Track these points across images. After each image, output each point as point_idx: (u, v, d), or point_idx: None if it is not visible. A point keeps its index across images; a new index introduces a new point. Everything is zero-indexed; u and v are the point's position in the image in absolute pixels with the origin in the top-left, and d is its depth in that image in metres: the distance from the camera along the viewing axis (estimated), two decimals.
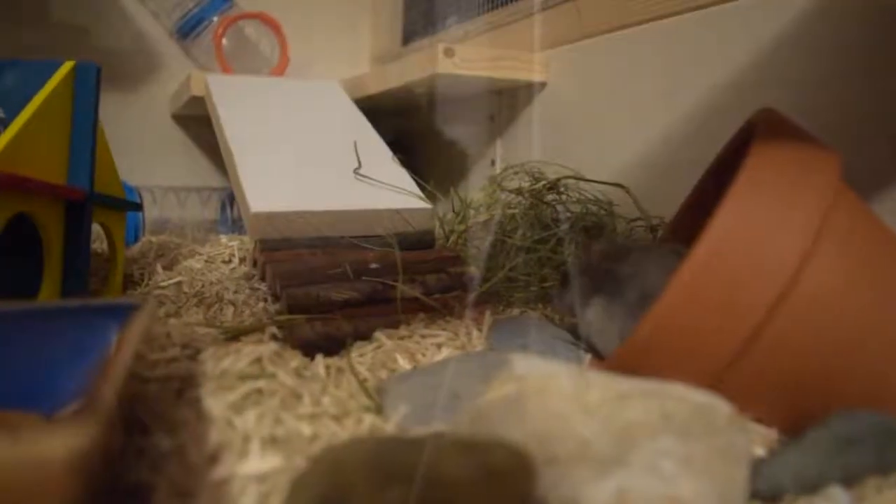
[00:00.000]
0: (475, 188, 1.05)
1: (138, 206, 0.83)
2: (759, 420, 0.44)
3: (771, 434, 0.43)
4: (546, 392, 0.37)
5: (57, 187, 0.64)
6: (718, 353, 0.41)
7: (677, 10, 0.76)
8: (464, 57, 0.87)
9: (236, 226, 1.19)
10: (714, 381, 0.42)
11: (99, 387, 0.26)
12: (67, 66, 0.68)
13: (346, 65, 1.43)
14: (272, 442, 0.38)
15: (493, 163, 1.04)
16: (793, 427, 0.42)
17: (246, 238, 0.93)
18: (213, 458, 0.36)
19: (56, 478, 0.20)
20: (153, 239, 1.03)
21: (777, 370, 0.42)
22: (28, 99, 0.64)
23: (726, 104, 0.71)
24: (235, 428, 0.39)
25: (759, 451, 0.41)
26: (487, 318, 0.61)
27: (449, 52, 0.86)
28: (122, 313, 0.43)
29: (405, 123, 1.17)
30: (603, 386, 0.38)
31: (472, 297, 0.64)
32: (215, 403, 0.41)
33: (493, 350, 0.55)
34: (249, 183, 0.77)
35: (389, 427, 0.41)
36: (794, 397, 0.43)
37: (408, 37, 1.37)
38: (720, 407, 0.38)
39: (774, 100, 0.66)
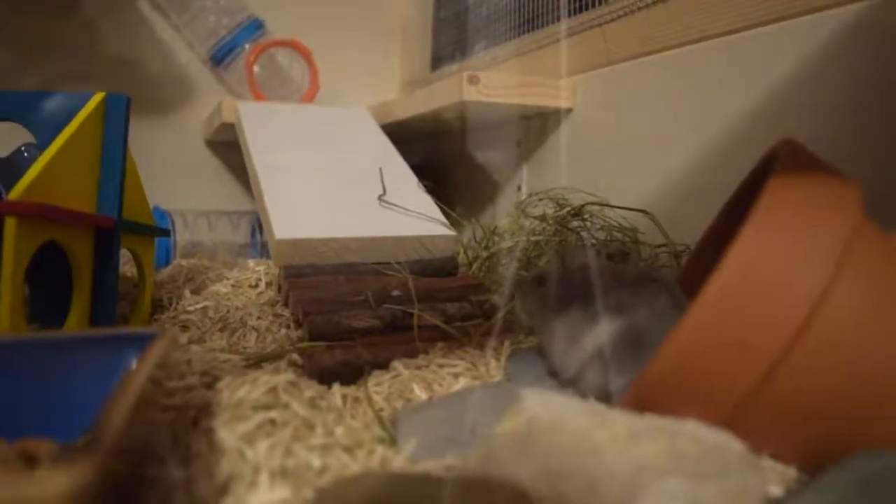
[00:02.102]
0: (502, 214, 1.05)
1: (166, 233, 0.84)
2: (775, 457, 0.43)
3: (789, 472, 0.42)
4: (557, 429, 0.37)
5: (86, 216, 0.65)
6: (735, 390, 0.41)
7: (702, 36, 0.76)
8: (488, 84, 0.88)
9: (265, 250, 1.20)
10: (730, 418, 0.41)
11: (105, 417, 0.27)
12: (98, 98, 0.70)
13: (376, 90, 1.44)
14: (282, 473, 0.38)
15: (519, 188, 1.04)
16: (812, 464, 0.41)
17: (273, 263, 0.94)
18: (223, 490, 0.36)
19: None
20: (184, 262, 1.04)
21: (796, 407, 0.41)
22: (60, 128, 0.66)
23: (751, 130, 0.71)
24: (247, 459, 0.39)
25: (776, 490, 0.40)
26: (506, 347, 0.61)
27: (473, 80, 0.87)
28: (144, 342, 0.43)
29: (432, 148, 1.18)
30: (615, 423, 0.38)
31: (492, 325, 0.64)
32: (228, 434, 0.41)
33: (509, 382, 0.55)
34: (275, 209, 0.77)
35: (399, 460, 0.41)
36: (814, 435, 0.42)
37: (437, 62, 1.38)
38: (733, 446, 0.38)
39: (798, 126, 0.65)
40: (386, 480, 0.31)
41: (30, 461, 0.37)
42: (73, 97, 0.70)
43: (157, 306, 0.82)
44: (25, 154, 0.95)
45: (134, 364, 0.43)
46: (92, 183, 0.69)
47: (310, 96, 1.26)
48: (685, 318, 0.41)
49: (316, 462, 0.39)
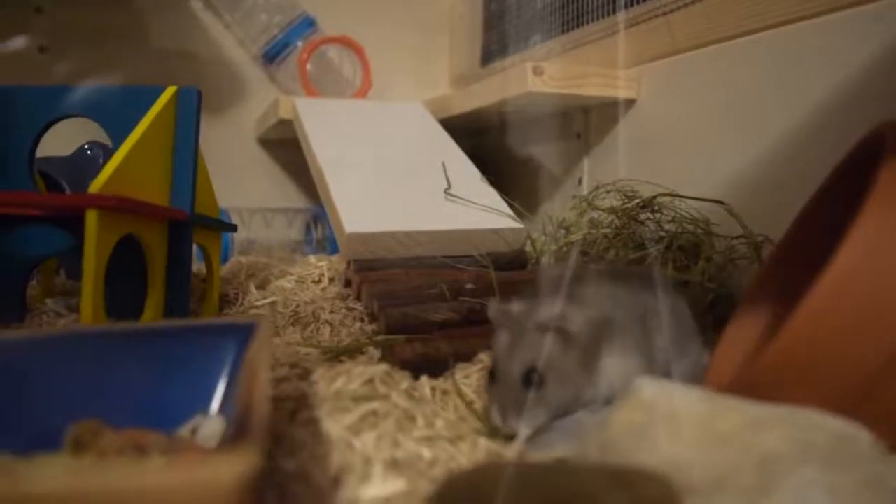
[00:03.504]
0: (560, 207, 1.04)
1: (233, 227, 0.84)
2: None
3: None
4: (677, 418, 0.36)
5: (162, 209, 0.65)
6: (855, 378, 0.39)
7: (772, 24, 0.74)
8: (553, 75, 0.87)
9: (320, 246, 1.20)
10: (849, 406, 0.39)
11: (251, 411, 0.26)
12: (170, 92, 0.70)
13: (425, 87, 1.43)
14: (393, 465, 0.37)
15: (580, 181, 1.03)
16: None
17: (334, 258, 0.94)
18: (336, 481, 0.36)
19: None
20: (242, 259, 1.05)
21: None
22: (132, 123, 0.66)
23: (827, 119, 0.69)
24: (355, 450, 0.38)
25: None
26: None
27: (538, 71, 0.86)
28: (237, 333, 0.43)
29: (487, 142, 1.17)
30: (735, 412, 0.36)
31: None
32: (332, 425, 0.40)
33: None
34: (343, 204, 0.77)
35: (510, 452, 0.40)
36: None
37: (487, 57, 1.37)
38: (862, 435, 0.36)
39: (877, 114, 0.63)
40: (521, 469, 0.30)
41: (140, 451, 0.36)
42: (144, 92, 0.71)
43: (224, 301, 0.82)
44: (89, 152, 0.96)
45: (230, 355, 0.43)
46: (165, 177, 0.69)
47: (362, 93, 1.26)
48: (801, 305, 0.39)
49: (426, 453, 0.38)
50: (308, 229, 1.26)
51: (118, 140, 0.69)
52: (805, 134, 0.71)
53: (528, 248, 0.82)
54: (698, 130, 0.83)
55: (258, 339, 0.37)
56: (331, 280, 0.87)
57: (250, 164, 1.36)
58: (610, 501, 0.26)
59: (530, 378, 0.43)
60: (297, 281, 0.87)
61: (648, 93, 0.91)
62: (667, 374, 0.49)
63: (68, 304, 0.76)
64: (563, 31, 1.08)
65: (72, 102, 0.72)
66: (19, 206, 0.65)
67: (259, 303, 0.78)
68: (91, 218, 0.56)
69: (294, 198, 1.37)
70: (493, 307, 0.47)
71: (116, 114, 0.71)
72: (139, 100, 0.70)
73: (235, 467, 0.20)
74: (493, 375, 0.45)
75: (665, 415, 0.36)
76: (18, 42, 1.20)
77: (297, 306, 0.74)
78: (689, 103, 0.84)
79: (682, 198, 0.77)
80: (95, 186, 0.58)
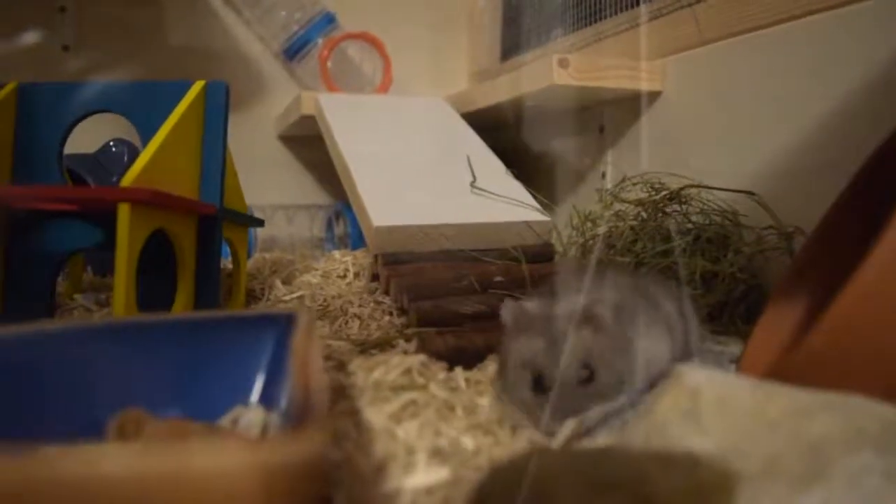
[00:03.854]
0: (584, 202, 1.03)
1: (261, 223, 0.84)
2: None
3: None
4: (724, 405, 0.36)
5: (192, 203, 0.65)
6: None
7: (800, 13, 0.73)
8: (578, 67, 0.86)
9: (342, 242, 1.20)
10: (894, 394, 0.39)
11: (309, 396, 0.26)
12: (199, 86, 0.70)
13: (444, 83, 1.43)
14: (437, 454, 0.37)
15: (603, 175, 1.02)
16: None
17: (359, 253, 0.94)
18: (381, 470, 0.36)
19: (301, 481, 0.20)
20: (266, 255, 1.05)
21: None
22: (160, 118, 0.66)
23: (857, 108, 0.68)
24: (398, 439, 0.38)
25: None
26: None
27: (563, 63, 0.85)
28: (276, 325, 0.43)
29: (509, 137, 1.16)
30: (783, 398, 0.36)
31: None
32: (374, 414, 0.40)
33: None
34: (370, 198, 0.77)
35: (553, 440, 0.40)
36: None
37: (507, 53, 1.36)
38: None
39: None
40: (573, 456, 0.29)
41: (183, 440, 0.36)
42: (172, 86, 0.71)
43: (250, 297, 0.82)
44: (114, 149, 0.96)
45: (268, 346, 0.43)
46: (194, 171, 0.69)
47: (383, 88, 1.26)
48: (845, 289, 0.39)
49: (468, 442, 0.38)
50: (329, 226, 1.26)
51: (146, 135, 0.69)
52: (837, 123, 0.70)
53: (555, 240, 0.82)
54: (726, 122, 0.82)
55: (302, 327, 0.37)
56: (356, 275, 0.87)
57: (271, 161, 1.36)
58: (664, 485, 0.26)
59: (582, 375, 0.42)
60: (322, 276, 0.88)
61: (674, 85, 0.90)
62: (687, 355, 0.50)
63: (98, 299, 0.77)
64: (584, 25, 1.08)
65: (100, 98, 0.72)
66: (52, 201, 0.65)
67: (286, 297, 0.78)
68: (123, 212, 0.56)
69: (315, 194, 1.38)
70: (509, 307, 0.46)
71: (144, 109, 0.71)
72: (167, 94, 0.70)
73: (304, 449, 0.20)
74: (537, 382, 0.42)
75: (711, 401, 0.36)
76: (42, 40, 1.20)
77: (325, 301, 0.74)
78: (717, 95, 0.84)
79: (711, 189, 0.76)
80: (127, 180, 0.58)
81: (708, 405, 0.36)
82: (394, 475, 0.35)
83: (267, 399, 0.40)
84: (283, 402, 0.39)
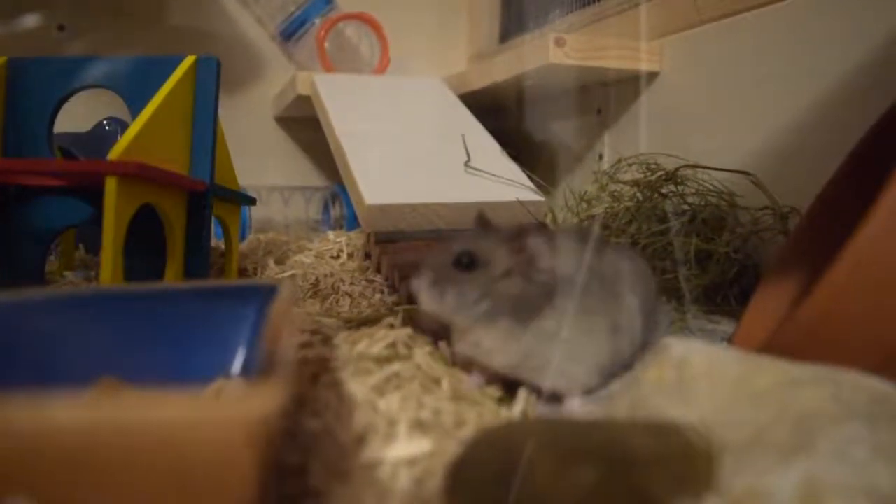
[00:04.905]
0: (581, 183, 1.02)
1: (253, 201, 0.84)
2: None
3: None
4: (711, 376, 0.35)
5: (182, 178, 0.65)
6: (893, 336, 0.38)
7: None
8: (575, 46, 0.85)
9: (338, 224, 1.20)
10: (887, 366, 0.38)
11: (275, 354, 0.25)
12: (189, 61, 0.69)
13: (442, 64, 1.42)
14: (418, 425, 0.36)
15: (600, 157, 1.01)
16: None
17: (353, 234, 0.93)
18: (361, 441, 0.35)
19: (250, 437, 0.19)
20: (261, 236, 1.04)
21: None
22: (151, 94, 0.65)
23: (858, 86, 0.67)
24: (379, 411, 0.38)
25: None
26: None
27: (560, 42, 0.84)
28: (258, 296, 0.42)
29: (503, 120, 1.15)
30: (771, 371, 0.36)
31: None
32: (357, 386, 0.40)
33: None
34: (362, 176, 0.76)
35: (542, 410, 0.40)
36: None
37: (505, 34, 1.35)
38: None
39: None
40: (549, 426, 0.29)
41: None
42: (163, 62, 0.70)
43: (243, 275, 0.81)
44: (107, 127, 0.95)
45: (251, 317, 0.42)
46: (184, 146, 0.68)
47: (380, 70, 1.25)
48: (836, 262, 0.38)
49: (450, 414, 0.38)
50: (326, 208, 1.25)
51: (137, 111, 0.69)
52: (833, 103, 0.69)
53: (549, 221, 0.81)
54: (723, 102, 0.82)
55: (284, 298, 0.36)
56: (349, 255, 0.87)
57: (268, 143, 1.35)
58: (644, 452, 0.25)
59: (462, 258, 0.43)
60: (315, 256, 0.87)
61: (672, 65, 0.89)
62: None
63: (87, 276, 0.76)
64: (583, 6, 1.07)
65: (90, 74, 0.71)
66: (39, 174, 0.64)
67: (279, 276, 0.77)
68: (111, 185, 0.56)
69: (311, 176, 1.37)
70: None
71: (135, 84, 0.70)
72: (158, 70, 0.69)
73: (263, 401, 0.20)
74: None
75: (698, 373, 0.35)
76: (37, 20, 1.19)
77: (317, 279, 0.74)
78: (715, 75, 0.83)
79: (707, 169, 0.75)
80: (115, 154, 0.57)
81: (694, 377, 0.35)
82: (374, 446, 0.35)
83: (249, 372, 0.40)
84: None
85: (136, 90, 0.70)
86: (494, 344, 0.42)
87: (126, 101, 0.71)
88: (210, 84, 0.69)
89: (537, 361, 0.42)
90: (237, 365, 0.40)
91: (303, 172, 1.37)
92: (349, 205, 1.14)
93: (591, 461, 0.24)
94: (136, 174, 0.57)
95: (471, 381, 0.44)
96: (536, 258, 0.43)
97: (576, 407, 0.42)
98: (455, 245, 0.45)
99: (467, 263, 0.43)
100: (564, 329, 0.42)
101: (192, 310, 0.41)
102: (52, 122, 0.71)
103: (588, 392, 0.43)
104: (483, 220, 0.48)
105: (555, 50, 0.84)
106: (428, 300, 0.43)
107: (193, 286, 0.44)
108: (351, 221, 1.13)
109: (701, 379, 0.35)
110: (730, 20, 0.81)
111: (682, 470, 0.26)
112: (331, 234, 0.94)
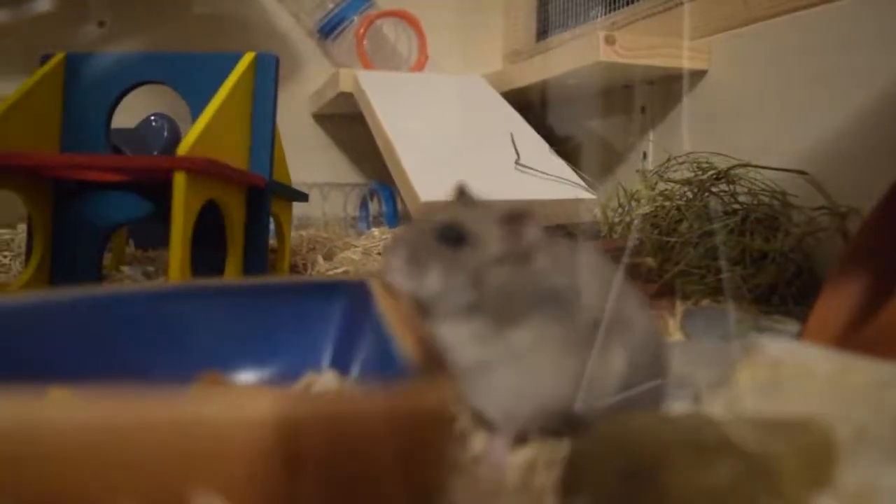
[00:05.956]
0: (624, 182, 1.03)
1: (305, 197, 0.84)
2: None
3: None
4: (806, 375, 0.35)
5: (245, 174, 0.65)
6: None
7: None
8: (624, 44, 0.85)
9: (377, 222, 1.20)
10: None
11: (428, 348, 0.26)
12: (249, 57, 0.70)
13: (477, 63, 1.42)
14: None
15: (644, 156, 1.01)
16: None
17: (398, 231, 0.94)
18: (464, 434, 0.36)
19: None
20: (302, 233, 1.05)
21: None
22: (209, 90, 0.66)
23: None
24: None
25: None
26: (678, 307, 0.59)
27: (610, 40, 0.84)
28: (345, 292, 0.43)
29: (543, 116, 1.15)
30: (863, 370, 0.36)
31: (659, 287, 0.62)
32: None
33: (691, 339, 0.53)
34: (416, 173, 0.77)
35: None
36: None
37: (542, 32, 1.35)
38: None
39: None
40: (670, 422, 0.29)
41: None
42: (221, 58, 0.70)
43: (293, 271, 0.82)
44: (154, 124, 0.96)
45: (334, 312, 0.43)
46: (245, 143, 0.69)
47: (418, 67, 1.25)
48: None
49: None
50: (364, 204, 1.26)
51: (195, 107, 0.69)
52: (890, 103, 0.69)
53: (599, 219, 0.81)
54: (774, 101, 0.81)
55: (382, 292, 0.37)
56: None
57: (306, 140, 1.36)
58: (774, 449, 0.26)
59: (448, 233, 0.37)
60: (363, 253, 0.88)
61: (720, 63, 0.89)
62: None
63: (145, 271, 0.77)
64: (626, 3, 1.07)
65: (148, 69, 0.72)
66: (106, 170, 0.65)
67: (331, 272, 0.78)
68: (179, 180, 0.56)
69: (348, 173, 1.37)
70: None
71: (193, 80, 0.71)
72: (216, 66, 0.70)
73: (442, 394, 0.20)
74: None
75: (795, 372, 0.35)
76: (78, 17, 1.21)
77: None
78: (766, 73, 0.82)
79: (761, 168, 0.75)
80: (183, 149, 0.58)
81: (791, 376, 0.35)
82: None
83: (337, 366, 0.40)
84: (356, 369, 0.39)
85: (194, 86, 0.70)
86: (458, 340, 0.35)
87: (184, 96, 0.71)
88: (269, 80, 0.70)
89: (489, 378, 0.36)
90: (325, 360, 0.41)
91: (339, 169, 1.37)
92: (388, 202, 1.15)
93: (732, 455, 0.25)
94: (204, 170, 0.58)
95: None
96: (534, 252, 0.37)
97: (497, 452, 0.35)
98: (439, 215, 0.38)
99: (455, 238, 0.37)
100: (536, 351, 0.35)
101: (284, 304, 0.42)
102: (109, 118, 0.72)
103: (522, 440, 0.36)
104: (462, 191, 0.42)
105: (605, 48, 0.84)
106: (404, 279, 0.36)
107: (285, 281, 0.44)
108: (390, 218, 1.14)
109: (794, 378, 0.35)
110: (781, 19, 0.81)
111: (808, 465, 0.26)
112: (376, 231, 0.95)
